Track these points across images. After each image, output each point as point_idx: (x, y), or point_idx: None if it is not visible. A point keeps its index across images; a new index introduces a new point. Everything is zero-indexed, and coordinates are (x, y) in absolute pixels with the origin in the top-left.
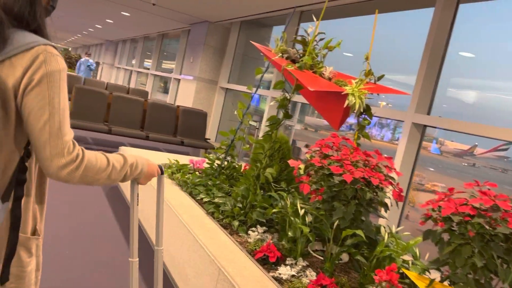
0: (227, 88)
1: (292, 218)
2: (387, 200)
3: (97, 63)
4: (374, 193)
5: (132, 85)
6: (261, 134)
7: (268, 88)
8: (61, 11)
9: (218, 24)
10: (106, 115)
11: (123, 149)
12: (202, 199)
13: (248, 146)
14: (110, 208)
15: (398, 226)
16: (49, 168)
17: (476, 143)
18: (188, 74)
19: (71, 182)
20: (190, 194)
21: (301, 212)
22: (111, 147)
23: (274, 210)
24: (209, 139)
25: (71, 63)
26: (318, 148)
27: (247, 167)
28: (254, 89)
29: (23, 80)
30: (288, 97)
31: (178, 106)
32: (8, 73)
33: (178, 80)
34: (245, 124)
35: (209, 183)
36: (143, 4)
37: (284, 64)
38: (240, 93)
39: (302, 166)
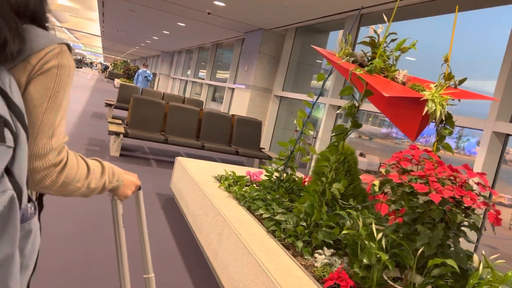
0: (282, 96)
1: (366, 242)
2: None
3: (154, 74)
4: (465, 216)
5: (187, 95)
6: (318, 143)
7: (323, 95)
8: (122, 25)
9: (273, 31)
10: (163, 124)
11: (179, 160)
12: (261, 214)
13: (308, 157)
14: (167, 222)
15: (475, 249)
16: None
17: None
18: (242, 83)
19: (49, 190)
20: (248, 208)
21: (378, 235)
22: (168, 157)
23: (344, 232)
24: (264, 148)
25: (130, 74)
26: (395, 162)
27: (306, 180)
28: (315, 97)
29: (33, 71)
30: (357, 105)
31: (233, 115)
32: (23, 73)
33: (232, 89)
34: (306, 133)
35: (268, 197)
36: (199, 14)
37: (352, 68)
38: (294, 101)
39: (376, 182)
